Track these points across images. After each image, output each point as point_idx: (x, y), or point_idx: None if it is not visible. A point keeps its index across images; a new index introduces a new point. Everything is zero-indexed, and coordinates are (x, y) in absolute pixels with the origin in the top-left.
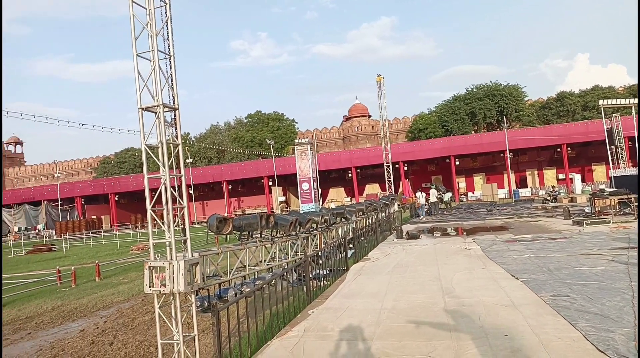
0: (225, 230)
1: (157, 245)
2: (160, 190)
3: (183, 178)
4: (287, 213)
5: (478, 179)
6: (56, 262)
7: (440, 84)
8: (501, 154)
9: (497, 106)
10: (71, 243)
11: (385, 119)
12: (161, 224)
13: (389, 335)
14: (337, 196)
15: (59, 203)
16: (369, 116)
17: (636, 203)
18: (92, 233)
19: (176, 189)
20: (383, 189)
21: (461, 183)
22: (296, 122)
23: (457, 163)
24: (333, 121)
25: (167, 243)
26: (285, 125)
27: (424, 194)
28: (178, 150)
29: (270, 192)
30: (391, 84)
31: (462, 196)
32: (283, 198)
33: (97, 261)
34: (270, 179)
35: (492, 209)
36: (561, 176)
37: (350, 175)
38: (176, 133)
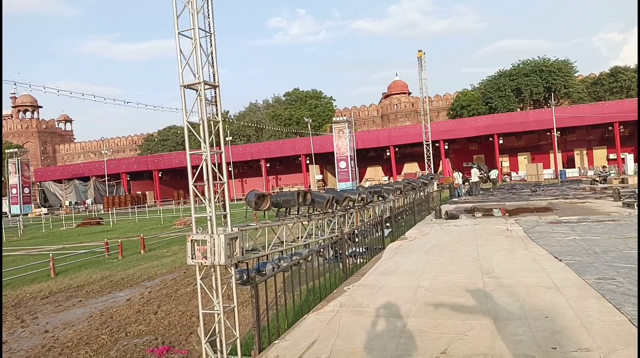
0: (264, 205)
1: (199, 220)
2: (202, 166)
3: (223, 155)
4: (324, 191)
5: (522, 159)
6: (104, 235)
7: (485, 59)
8: (548, 133)
9: (544, 82)
10: (118, 217)
11: (425, 97)
12: (202, 199)
13: (424, 313)
14: (375, 175)
15: (106, 178)
16: (409, 94)
17: None
18: (137, 207)
19: (216, 165)
20: (422, 168)
21: (504, 162)
22: (334, 100)
23: (500, 141)
24: (371, 98)
25: (208, 218)
26: (323, 103)
27: (461, 174)
28: (218, 127)
29: (307, 170)
30: (432, 60)
31: (505, 176)
32: (320, 177)
33: (142, 235)
34: (308, 158)
35: (537, 189)
36: (612, 156)
37: (388, 154)
38: (216, 111)
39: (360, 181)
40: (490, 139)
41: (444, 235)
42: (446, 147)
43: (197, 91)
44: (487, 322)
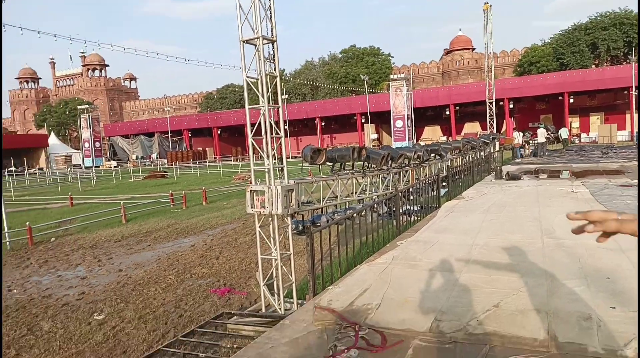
0: (319, 160)
1: (258, 173)
2: (260, 121)
3: (280, 109)
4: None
5: (595, 120)
6: (169, 187)
7: (558, 12)
8: (625, 92)
9: (625, 37)
10: (180, 171)
11: (490, 52)
12: (260, 151)
13: (479, 269)
14: (433, 135)
15: (169, 134)
16: (473, 49)
17: None
18: (198, 163)
19: (273, 121)
20: (484, 128)
21: (574, 123)
22: (392, 57)
23: (571, 100)
24: (432, 55)
25: (266, 170)
26: (380, 60)
27: (521, 134)
28: (276, 82)
29: (362, 129)
30: (500, 14)
31: (575, 137)
32: (375, 136)
33: (203, 188)
34: (363, 117)
35: (609, 152)
36: None
37: (447, 113)
38: (274, 66)
39: (417, 141)
40: (560, 98)
41: (504, 195)
42: (511, 106)
43: (255, 45)
44: (544, 280)
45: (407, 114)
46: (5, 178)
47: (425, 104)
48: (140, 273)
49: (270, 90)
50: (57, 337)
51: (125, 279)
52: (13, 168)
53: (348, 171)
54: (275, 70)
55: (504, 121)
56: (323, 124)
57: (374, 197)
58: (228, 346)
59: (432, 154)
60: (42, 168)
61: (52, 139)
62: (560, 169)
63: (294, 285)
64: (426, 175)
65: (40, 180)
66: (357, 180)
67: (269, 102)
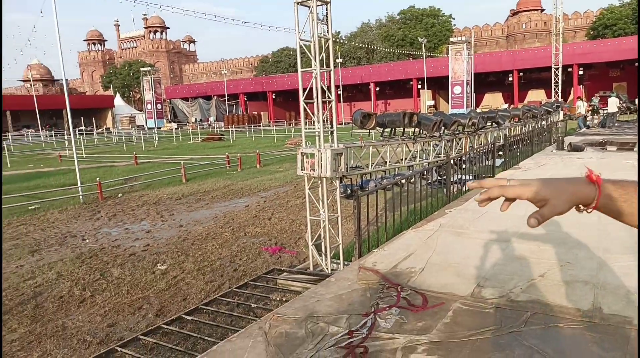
0: (369, 124)
1: (309, 137)
2: (311, 84)
3: (332, 73)
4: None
5: None
6: (225, 149)
7: None
8: None
9: None
10: (236, 134)
11: (560, 14)
12: (311, 115)
13: (528, 240)
14: (493, 102)
15: (226, 98)
16: (542, 10)
17: None
18: (253, 126)
19: (326, 86)
20: (549, 97)
21: None
22: (453, 19)
23: None
24: (497, 17)
25: (317, 133)
26: (440, 22)
27: (585, 103)
28: (328, 45)
29: (418, 95)
30: None
31: None
32: (432, 102)
33: (257, 151)
34: (420, 82)
35: None
36: None
37: (510, 79)
38: (327, 29)
39: (476, 109)
40: (637, 64)
41: (564, 167)
42: (580, 72)
43: (309, 7)
44: (596, 253)
45: (467, 80)
46: (76, 136)
47: (486, 70)
48: (199, 229)
49: (322, 53)
50: (126, 283)
51: (185, 234)
52: (83, 127)
53: (398, 137)
54: (328, 32)
55: (572, 88)
56: (377, 89)
57: (424, 164)
58: (277, 299)
59: (489, 122)
60: (108, 128)
61: (118, 101)
62: (629, 142)
63: (340, 246)
64: (481, 144)
65: (107, 139)
66: (407, 146)
67: (321, 66)
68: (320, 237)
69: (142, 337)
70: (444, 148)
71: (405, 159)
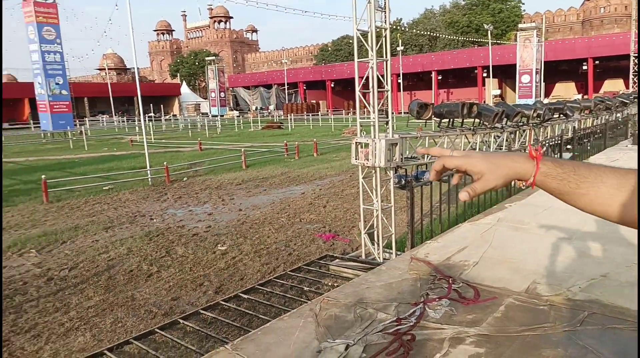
0: (425, 115)
1: (365, 126)
2: (367, 74)
3: (389, 62)
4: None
5: None
6: (283, 137)
7: None
8: None
9: None
10: (295, 122)
11: None
12: (366, 104)
13: (591, 238)
14: (565, 92)
15: (286, 87)
16: None
17: None
18: (311, 115)
19: (386, 74)
20: (627, 87)
21: None
22: (522, 4)
23: None
24: (571, 1)
25: (372, 123)
26: (509, 7)
27: None
28: (386, 34)
29: (483, 84)
30: None
31: None
32: (498, 92)
33: (315, 140)
34: (485, 70)
35: None
36: None
37: (585, 68)
38: (384, 18)
39: (546, 99)
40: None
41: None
42: None
43: None
44: None
45: (536, 69)
46: (146, 122)
47: (558, 57)
48: (256, 213)
49: (380, 42)
50: (189, 261)
51: (244, 218)
52: (152, 114)
53: (457, 128)
54: (385, 22)
55: None
56: (440, 77)
57: None
58: (329, 284)
59: (556, 114)
60: (175, 115)
61: (184, 89)
62: None
63: (393, 236)
64: (547, 136)
65: (174, 126)
66: (466, 138)
67: (379, 56)
68: (373, 226)
69: (202, 312)
70: (506, 140)
71: (464, 150)
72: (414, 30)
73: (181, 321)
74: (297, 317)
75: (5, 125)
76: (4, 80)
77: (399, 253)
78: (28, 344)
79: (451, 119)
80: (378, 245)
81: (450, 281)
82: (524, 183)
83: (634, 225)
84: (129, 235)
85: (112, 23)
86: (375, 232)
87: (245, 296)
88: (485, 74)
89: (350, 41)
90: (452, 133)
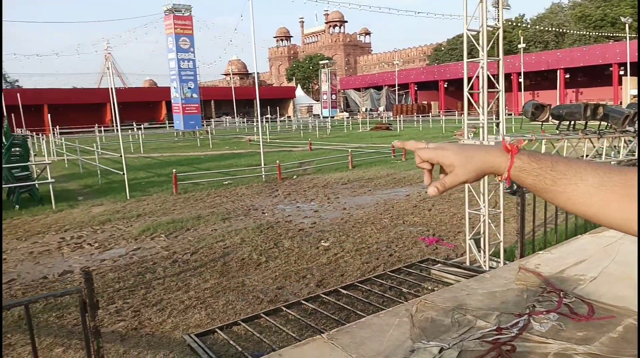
0: (542, 116)
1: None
2: (478, 74)
3: (501, 62)
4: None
5: None
6: (391, 139)
7: None
8: None
9: None
10: (404, 124)
11: None
12: (475, 106)
13: None
14: None
15: (396, 88)
16: None
17: None
18: (421, 116)
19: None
20: None
21: None
22: None
23: None
24: None
25: (480, 125)
26: None
27: None
28: (499, 34)
29: (619, 83)
30: None
31: None
32: (636, 91)
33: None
34: (622, 68)
35: None
36: None
37: None
38: (497, 16)
39: None
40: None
41: None
42: None
43: None
44: None
45: None
46: (263, 123)
47: None
48: (360, 213)
49: (492, 41)
50: (294, 254)
51: (347, 216)
52: (269, 115)
53: (579, 131)
54: (498, 21)
55: None
56: (567, 76)
57: (612, 163)
58: (429, 288)
59: None
60: (289, 116)
61: (299, 92)
62: None
63: (501, 244)
64: None
65: (288, 127)
66: (590, 142)
67: (490, 54)
68: (480, 232)
69: (303, 302)
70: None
71: (588, 156)
72: (537, 27)
73: (284, 309)
74: (393, 316)
75: (145, 124)
76: (146, 85)
77: (506, 262)
78: (154, 316)
79: (572, 122)
80: (484, 252)
81: (562, 295)
82: (499, 178)
83: (613, 226)
84: (243, 226)
85: (237, 32)
86: (482, 239)
87: (344, 291)
88: (622, 72)
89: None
90: (574, 136)
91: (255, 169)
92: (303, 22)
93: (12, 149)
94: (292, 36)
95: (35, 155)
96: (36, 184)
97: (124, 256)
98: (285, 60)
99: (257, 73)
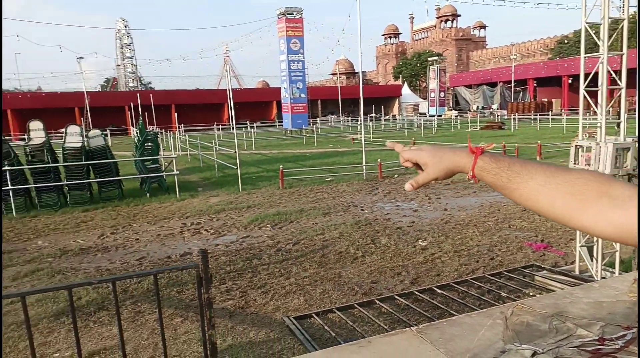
0: None
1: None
2: (596, 70)
3: (624, 57)
4: None
5: None
6: (503, 138)
7: None
8: None
9: None
10: (519, 123)
11: None
12: (592, 105)
13: None
14: None
15: (512, 84)
16: None
17: None
18: (540, 115)
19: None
20: None
21: None
22: None
23: None
24: None
25: (598, 125)
26: None
27: None
28: (623, 26)
29: None
30: None
31: None
32: None
33: (539, 142)
34: None
35: None
36: None
37: None
38: (622, 6)
39: None
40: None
41: None
42: None
43: None
44: None
45: None
46: (367, 122)
47: None
48: (462, 214)
49: (614, 34)
50: (390, 251)
51: (448, 217)
52: (373, 114)
53: None
54: (623, 13)
55: None
56: None
57: None
58: (531, 294)
59: None
60: (394, 115)
61: (405, 90)
62: None
63: (617, 253)
64: None
65: (392, 126)
66: None
67: (612, 49)
68: (593, 240)
69: (396, 297)
70: None
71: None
72: None
73: (377, 302)
74: (486, 317)
75: (257, 123)
76: (260, 86)
77: (622, 273)
78: (259, 298)
79: None
80: (597, 261)
81: None
82: (468, 176)
83: (559, 220)
84: (342, 221)
85: (345, 32)
86: (595, 246)
87: (439, 291)
88: None
89: (593, 31)
90: None
91: (357, 167)
92: (413, 18)
93: (145, 144)
94: (400, 33)
95: (163, 150)
96: (164, 176)
97: (234, 243)
98: (392, 58)
99: (362, 72)
